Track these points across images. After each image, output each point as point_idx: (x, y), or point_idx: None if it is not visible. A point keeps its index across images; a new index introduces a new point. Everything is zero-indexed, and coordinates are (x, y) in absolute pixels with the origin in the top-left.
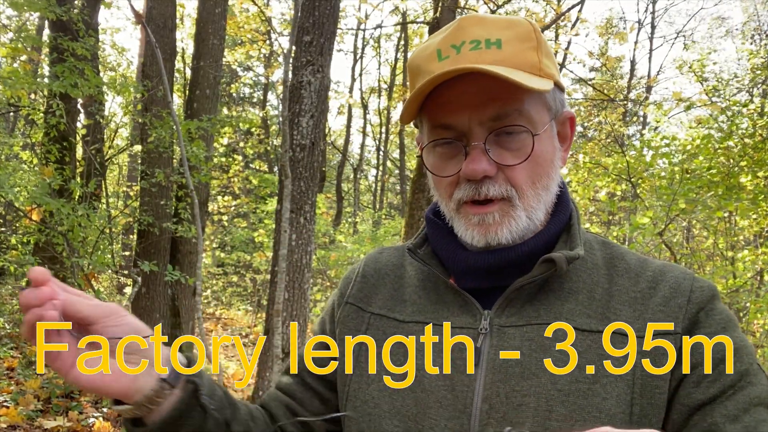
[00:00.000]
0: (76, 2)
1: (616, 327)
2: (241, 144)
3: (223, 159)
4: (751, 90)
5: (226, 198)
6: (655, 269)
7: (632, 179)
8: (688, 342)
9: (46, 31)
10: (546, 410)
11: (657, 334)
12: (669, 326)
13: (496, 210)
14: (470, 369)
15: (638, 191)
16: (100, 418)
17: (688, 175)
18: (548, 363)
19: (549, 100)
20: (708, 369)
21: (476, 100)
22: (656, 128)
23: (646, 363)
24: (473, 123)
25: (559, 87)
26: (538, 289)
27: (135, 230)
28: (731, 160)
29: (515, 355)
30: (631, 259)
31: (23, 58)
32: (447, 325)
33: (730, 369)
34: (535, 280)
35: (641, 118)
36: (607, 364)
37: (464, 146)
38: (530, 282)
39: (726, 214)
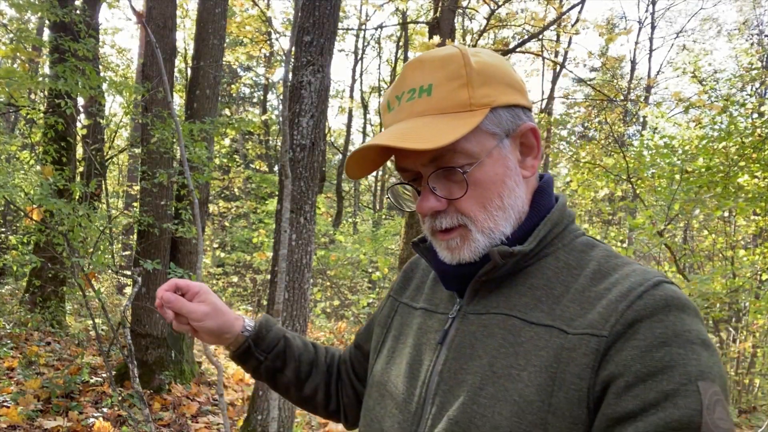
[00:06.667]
0: (76, 3)
1: (557, 322)
2: (244, 145)
3: (225, 160)
4: (750, 88)
5: (228, 203)
6: (622, 273)
7: (632, 179)
8: (614, 348)
9: (47, 32)
10: (479, 387)
11: (586, 334)
12: (599, 328)
13: (457, 236)
14: (431, 347)
15: (638, 191)
16: (100, 418)
17: (687, 175)
18: (493, 347)
19: (488, 127)
20: (632, 382)
21: None
22: (655, 129)
23: (570, 359)
24: (417, 166)
25: (504, 106)
26: (506, 283)
27: (135, 230)
28: (730, 160)
29: (470, 338)
30: (608, 262)
31: (23, 58)
32: (436, 315)
33: (654, 386)
34: (495, 273)
35: (641, 119)
36: (540, 355)
37: (417, 187)
38: (486, 273)
39: (725, 214)
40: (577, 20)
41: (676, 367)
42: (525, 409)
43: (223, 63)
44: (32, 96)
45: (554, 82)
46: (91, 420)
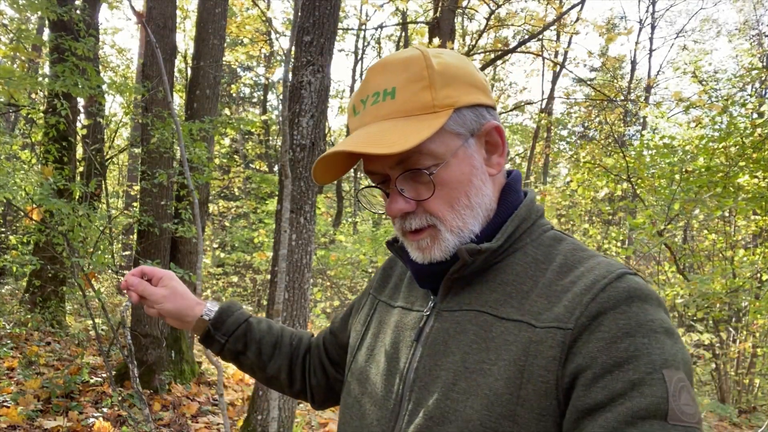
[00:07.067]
0: (76, 2)
1: (526, 317)
2: (244, 145)
3: (225, 160)
4: (750, 88)
5: (227, 202)
6: (587, 266)
7: (632, 179)
8: (580, 340)
9: (46, 32)
10: (452, 383)
11: (552, 327)
12: (565, 321)
13: (427, 236)
14: (407, 344)
15: (638, 191)
16: (100, 418)
17: (687, 175)
18: (465, 343)
19: (453, 127)
20: (599, 373)
21: None
22: (655, 129)
23: (538, 352)
24: (386, 168)
25: (468, 106)
26: (477, 280)
27: (135, 230)
28: (730, 160)
29: (444, 335)
30: (574, 256)
31: (23, 57)
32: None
33: (620, 376)
34: (465, 270)
35: (641, 119)
36: (509, 349)
37: (385, 190)
38: (456, 271)
39: (725, 214)
40: (577, 20)
41: (641, 356)
42: (495, 402)
43: (223, 63)
44: (32, 96)
45: (554, 82)
46: (91, 420)
